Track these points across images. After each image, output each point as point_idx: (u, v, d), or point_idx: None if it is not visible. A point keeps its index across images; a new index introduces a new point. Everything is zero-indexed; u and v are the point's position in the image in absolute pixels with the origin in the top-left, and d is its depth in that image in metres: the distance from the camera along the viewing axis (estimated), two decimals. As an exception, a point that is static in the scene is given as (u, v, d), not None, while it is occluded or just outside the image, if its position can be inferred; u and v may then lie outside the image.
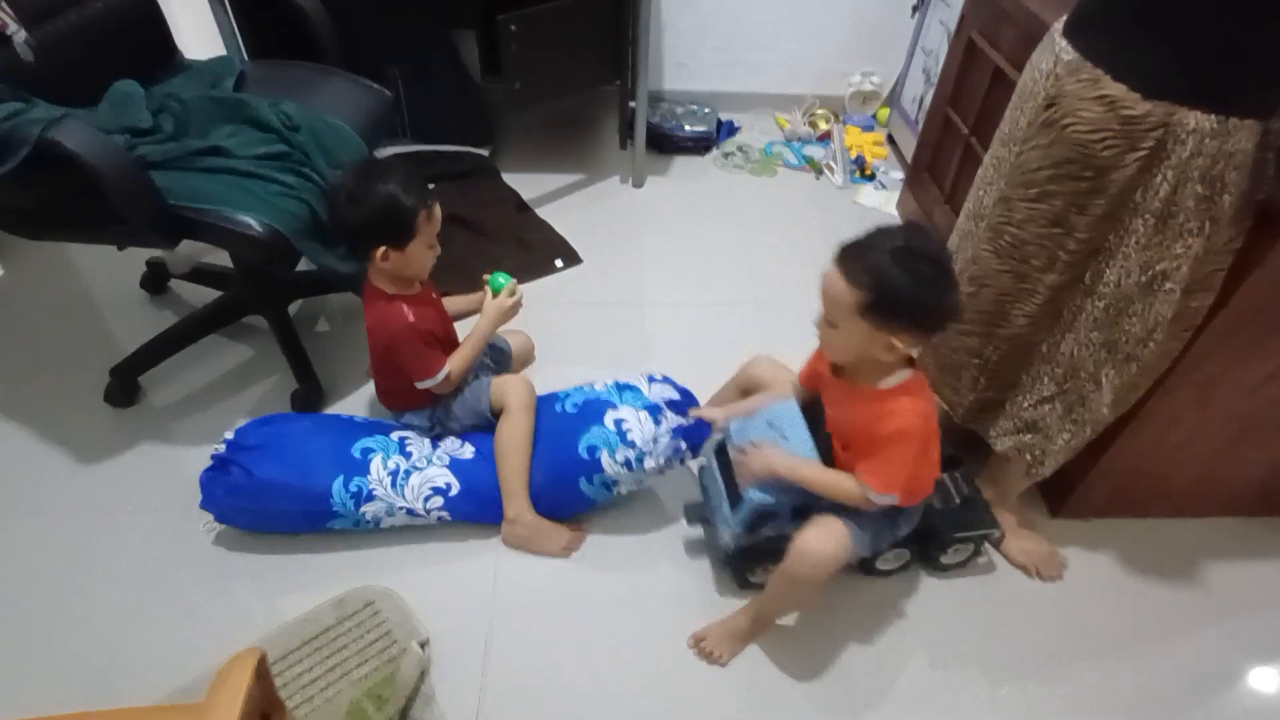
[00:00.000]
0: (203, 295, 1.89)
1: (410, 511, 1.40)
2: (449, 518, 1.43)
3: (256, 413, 1.67)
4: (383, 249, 1.29)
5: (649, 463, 1.37)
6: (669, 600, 1.38)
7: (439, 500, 1.40)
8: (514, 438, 1.41)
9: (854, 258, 1.03)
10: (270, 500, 1.37)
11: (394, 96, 1.82)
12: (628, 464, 1.37)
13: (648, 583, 1.41)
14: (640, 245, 2.26)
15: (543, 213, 2.35)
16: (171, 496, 1.50)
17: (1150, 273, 1.07)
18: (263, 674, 0.66)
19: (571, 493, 1.42)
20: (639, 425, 1.37)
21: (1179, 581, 1.45)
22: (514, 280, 1.48)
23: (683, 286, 2.11)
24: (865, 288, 1.01)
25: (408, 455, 1.42)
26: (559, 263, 2.14)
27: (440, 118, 2.47)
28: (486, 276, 1.48)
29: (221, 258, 1.69)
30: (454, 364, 1.41)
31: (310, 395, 1.68)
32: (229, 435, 1.42)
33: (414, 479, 1.39)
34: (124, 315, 1.92)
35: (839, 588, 1.36)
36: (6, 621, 1.31)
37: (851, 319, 1.04)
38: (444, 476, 1.41)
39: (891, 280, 1.00)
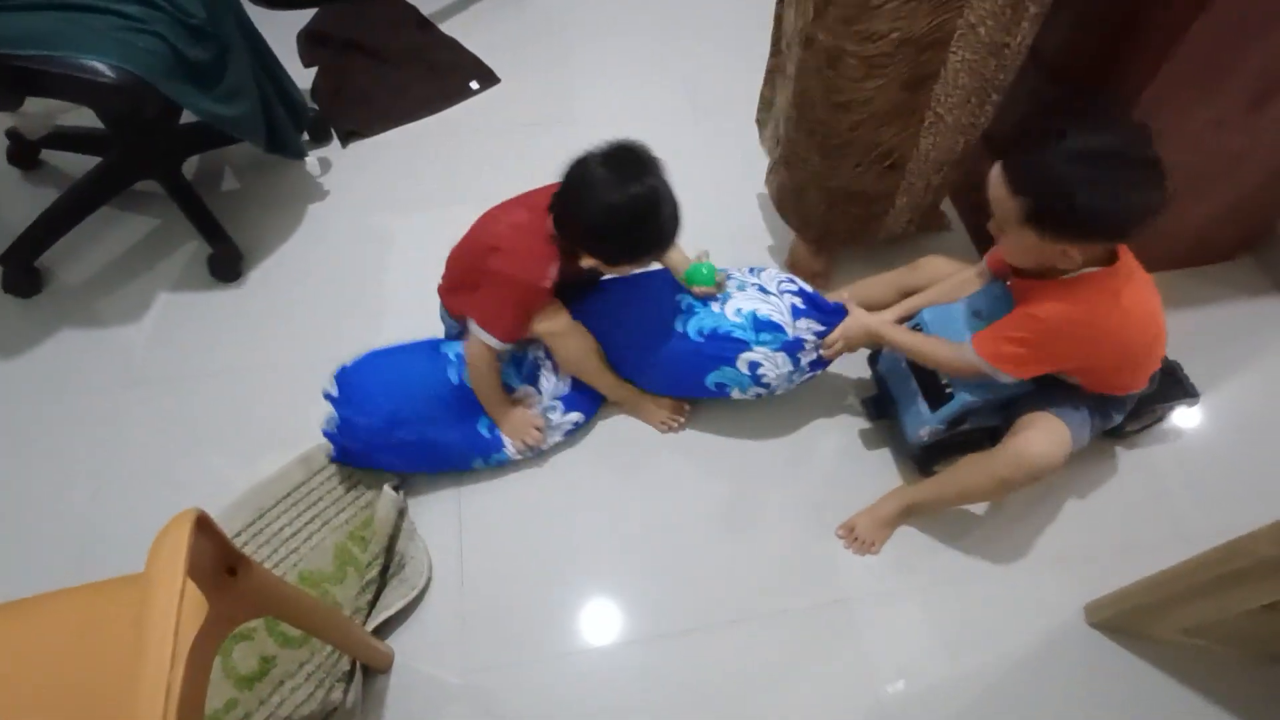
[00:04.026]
0: (85, 164, 1.70)
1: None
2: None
3: (180, 284, 1.58)
4: (595, 261, 1.11)
5: (781, 391, 1.29)
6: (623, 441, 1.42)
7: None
8: (573, 358, 1.30)
9: (1018, 159, 0.91)
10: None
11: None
12: (758, 395, 1.30)
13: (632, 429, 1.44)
14: (564, 57, 2.06)
15: (448, 28, 2.10)
16: (117, 373, 1.46)
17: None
18: (209, 531, 0.66)
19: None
20: (775, 368, 1.24)
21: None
22: (722, 273, 1.28)
23: (616, 100, 1.95)
24: (1030, 195, 0.90)
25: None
26: (474, 84, 1.95)
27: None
28: (692, 261, 1.26)
29: (87, 116, 1.49)
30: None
31: (226, 259, 1.57)
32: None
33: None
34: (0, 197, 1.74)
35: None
36: (-31, 521, 1.30)
37: (1018, 228, 0.94)
38: (568, 417, 1.35)
39: (1060, 188, 0.87)
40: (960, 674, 1.14)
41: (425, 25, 2.09)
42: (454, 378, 1.29)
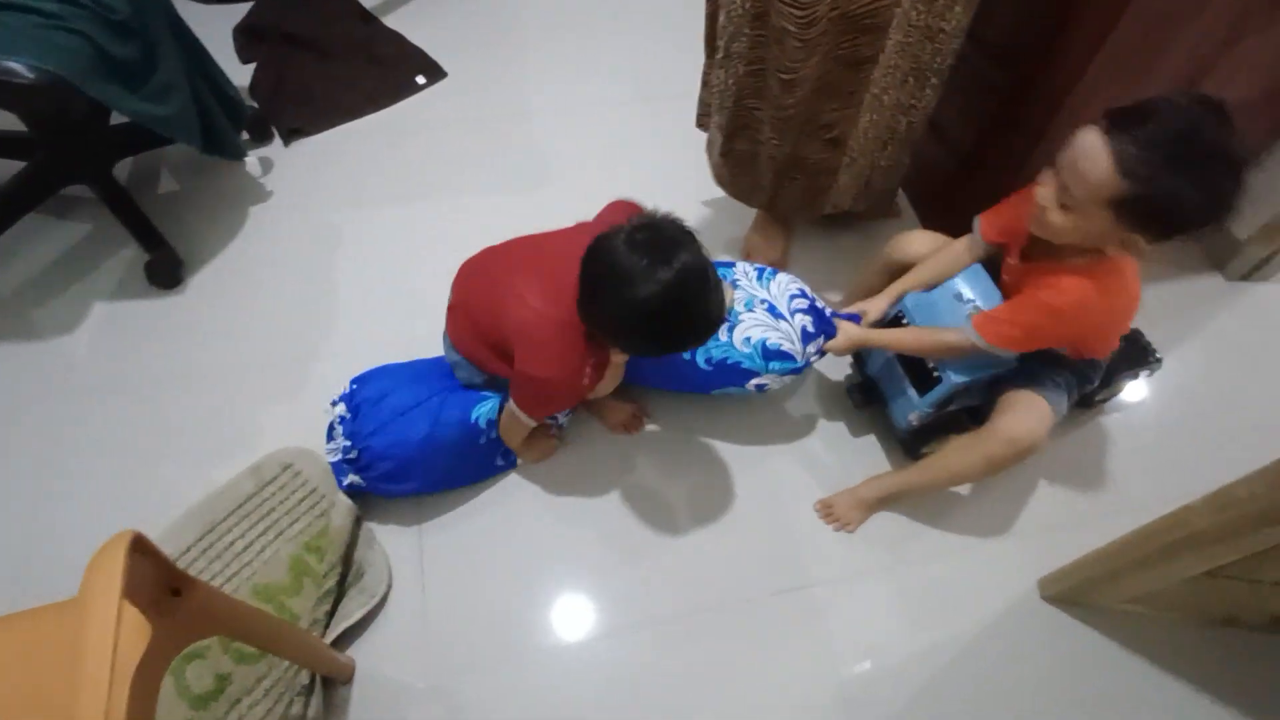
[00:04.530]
0: (8, 169, 1.62)
1: None
2: None
3: (118, 293, 1.52)
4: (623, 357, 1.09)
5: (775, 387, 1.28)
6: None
7: None
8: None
9: (1132, 136, 0.81)
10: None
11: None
12: (758, 389, 1.27)
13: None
14: (514, 49, 2.03)
15: (391, 21, 2.05)
16: (55, 385, 1.40)
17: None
18: (148, 552, 0.63)
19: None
20: (779, 382, 1.25)
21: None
22: (729, 283, 1.24)
23: (569, 91, 1.93)
24: (1136, 180, 0.81)
25: None
26: (421, 79, 1.91)
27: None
28: None
29: (8, 118, 1.42)
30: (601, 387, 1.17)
31: (165, 265, 1.52)
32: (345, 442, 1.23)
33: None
34: (-82, 206, 1.65)
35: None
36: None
37: (1096, 208, 0.86)
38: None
39: (1172, 184, 0.80)
40: (922, 650, 1.17)
41: (368, 18, 2.04)
42: (482, 440, 1.26)
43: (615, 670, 1.15)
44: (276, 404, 1.40)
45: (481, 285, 1.16)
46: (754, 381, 1.24)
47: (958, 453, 1.15)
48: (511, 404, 1.14)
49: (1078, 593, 1.17)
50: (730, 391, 1.28)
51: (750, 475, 1.34)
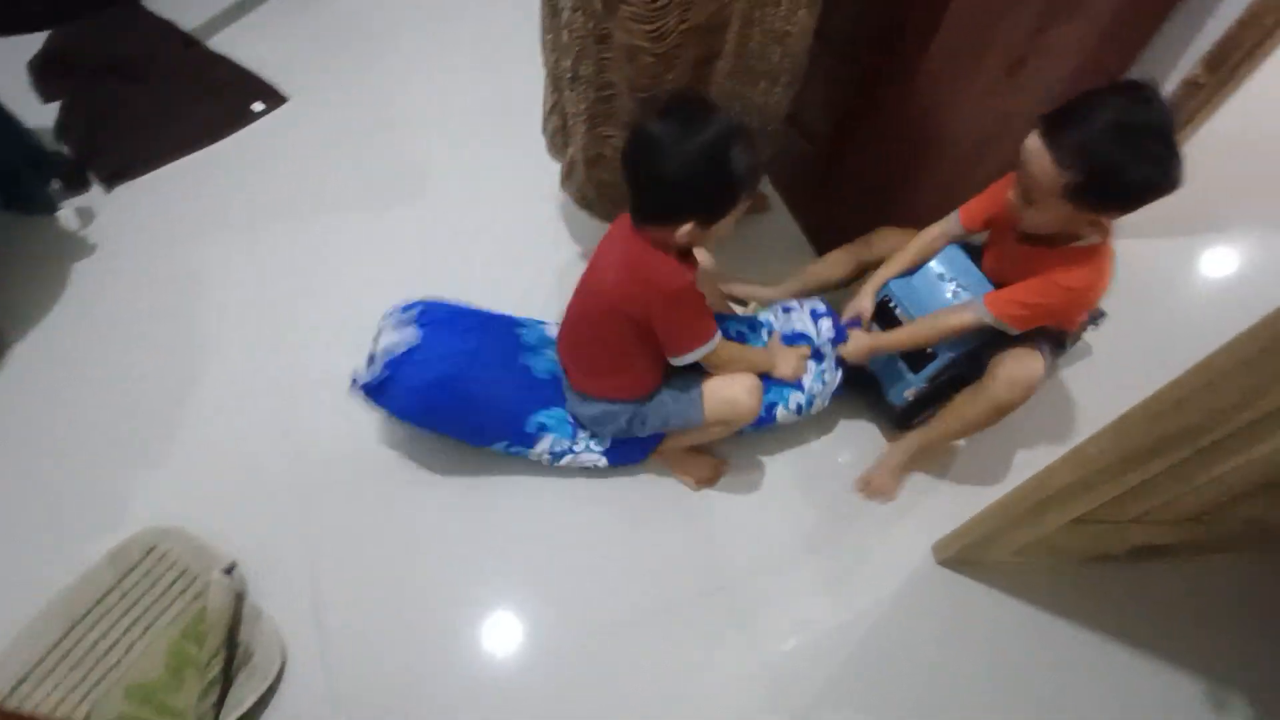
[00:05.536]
0: None
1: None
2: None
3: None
4: (690, 225, 0.99)
5: (816, 398, 1.30)
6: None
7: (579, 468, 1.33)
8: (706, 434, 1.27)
9: (1064, 134, 0.91)
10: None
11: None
12: (800, 410, 1.30)
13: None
14: (357, 60, 1.91)
15: (216, 45, 1.89)
16: None
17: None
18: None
19: None
20: (809, 373, 1.29)
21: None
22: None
23: (433, 99, 1.84)
24: (1078, 171, 0.91)
25: (574, 437, 1.30)
26: (258, 105, 1.77)
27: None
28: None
29: None
30: (722, 349, 1.16)
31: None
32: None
33: (566, 459, 1.30)
34: None
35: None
36: None
37: (1055, 200, 0.95)
38: (596, 460, 1.30)
39: (1112, 164, 0.89)
40: (842, 624, 1.21)
41: (190, 43, 1.87)
42: (525, 361, 1.31)
43: (545, 699, 1.12)
44: (139, 470, 1.29)
45: (573, 312, 1.20)
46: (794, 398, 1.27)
47: (967, 404, 1.22)
48: (691, 355, 1.12)
49: (967, 553, 1.24)
50: (775, 399, 1.28)
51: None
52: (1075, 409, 1.43)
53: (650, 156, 0.96)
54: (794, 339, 1.32)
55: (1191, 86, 1.38)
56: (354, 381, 1.23)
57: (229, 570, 1.16)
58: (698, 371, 1.20)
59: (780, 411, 1.27)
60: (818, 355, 1.31)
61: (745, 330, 1.36)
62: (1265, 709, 1.18)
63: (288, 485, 1.29)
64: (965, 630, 1.22)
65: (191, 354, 1.41)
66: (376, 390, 1.21)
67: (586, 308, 1.16)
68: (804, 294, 1.43)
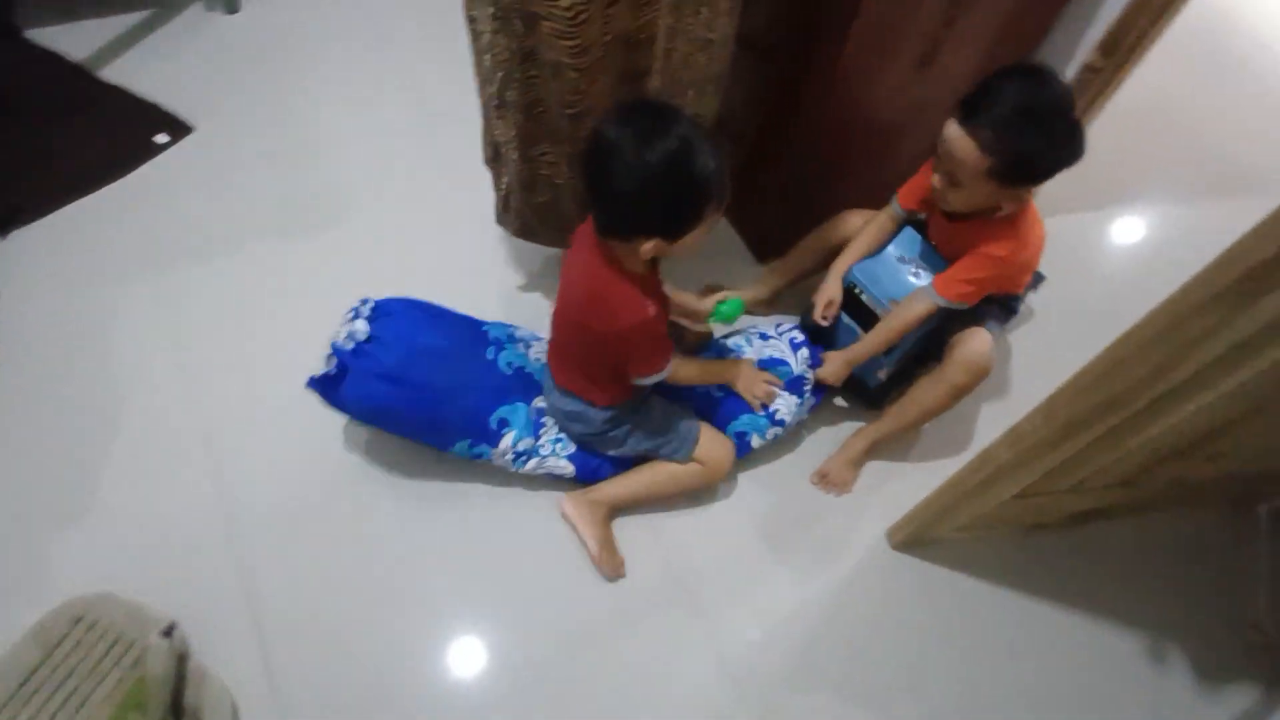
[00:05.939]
0: None
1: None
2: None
3: None
4: (654, 241, 0.95)
5: (791, 424, 1.33)
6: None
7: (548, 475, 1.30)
8: (675, 485, 1.27)
9: (981, 120, 0.99)
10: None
11: None
12: (775, 437, 1.33)
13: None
14: (265, 87, 1.83)
15: (110, 75, 1.77)
16: None
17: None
18: None
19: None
20: (787, 405, 1.30)
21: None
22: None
23: (348, 120, 1.78)
24: (998, 154, 1.00)
25: (537, 436, 1.27)
26: (161, 138, 1.67)
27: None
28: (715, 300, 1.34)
29: None
30: (680, 370, 1.17)
31: None
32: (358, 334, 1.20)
33: (532, 463, 1.27)
34: None
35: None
36: None
37: (979, 181, 1.04)
38: (564, 468, 1.28)
39: (1027, 147, 0.99)
40: (802, 613, 1.24)
41: (79, 74, 1.75)
42: (489, 355, 1.29)
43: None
44: (57, 534, 1.21)
45: (560, 317, 1.18)
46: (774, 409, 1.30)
47: (925, 390, 1.27)
48: (647, 379, 1.12)
49: (918, 533, 1.28)
50: (750, 434, 1.30)
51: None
52: (1014, 387, 1.50)
53: (608, 168, 0.91)
54: (769, 365, 1.32)
55: (1090, 72, 1.45)
56: (309, 380, 1.19)
57: (168, 632, 1.09)
58: (691, 410, 1.28)
59: (755, 439, 1.31)
60: (797, 386, 1.31)
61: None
62: (1197, 657, 1.26)
63: (222, 534, 1.23)
64: (920, 608, 1.27)
65: (104, 407, 1.33)
66: (330, 386, 1.18)
67: (566, 312, 1.15)
68: (785, 288, 1.48)
